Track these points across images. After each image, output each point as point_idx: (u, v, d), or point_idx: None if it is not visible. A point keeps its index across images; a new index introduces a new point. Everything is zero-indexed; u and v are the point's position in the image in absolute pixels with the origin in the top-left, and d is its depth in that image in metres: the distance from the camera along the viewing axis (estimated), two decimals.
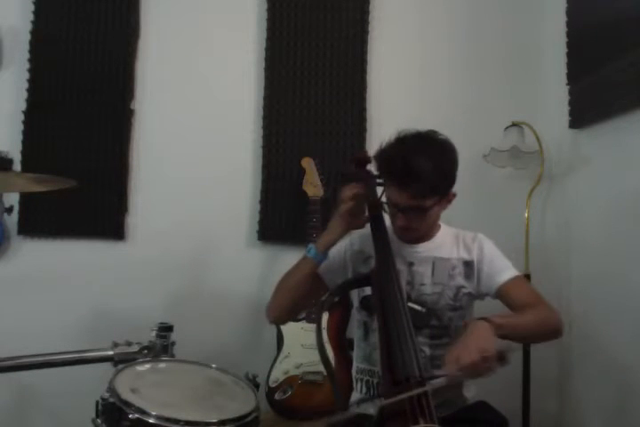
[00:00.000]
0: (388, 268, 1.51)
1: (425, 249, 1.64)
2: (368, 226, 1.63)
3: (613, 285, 1.99)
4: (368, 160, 1.76)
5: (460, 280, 1.61)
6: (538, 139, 2.35)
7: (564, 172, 2.37)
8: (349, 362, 1.79)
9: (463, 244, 1.65)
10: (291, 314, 1.75)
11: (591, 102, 2.12)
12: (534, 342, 1.41)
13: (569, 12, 2.28)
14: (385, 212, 1.62)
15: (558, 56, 2.31)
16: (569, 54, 2.26)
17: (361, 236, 1.69)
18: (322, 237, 1.61)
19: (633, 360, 1.85)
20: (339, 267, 1.68)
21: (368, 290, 1.60)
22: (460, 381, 1.27)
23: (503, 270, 1.60)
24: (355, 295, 1.68)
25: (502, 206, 2.48)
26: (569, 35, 2.27)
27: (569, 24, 2.27)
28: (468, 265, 1.62)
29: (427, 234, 1.66)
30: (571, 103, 2.25)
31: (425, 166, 1.45)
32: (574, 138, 2.29)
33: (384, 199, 1.61)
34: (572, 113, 2.25)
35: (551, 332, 1.52)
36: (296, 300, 1.64)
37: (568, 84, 2.27)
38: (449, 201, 1.58)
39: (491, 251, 1.63)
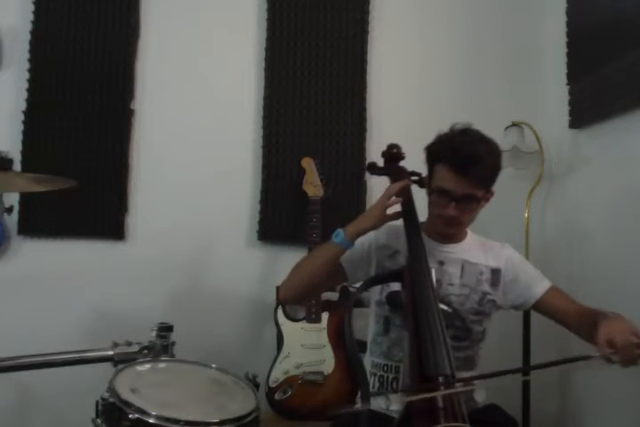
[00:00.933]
0: (421, 265, 1.51)
1: (454, 250, 1.65)
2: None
3: (614, 284, 1.99)
4: (401, 157, 1.76)
5: (486, 286, 1.63)
6: (538, 139, 2.35)
7: (564, 172, 2.37)
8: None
9: (491, 251, 1.67)
10: (302, 296, 1.75)
11: (591, 102, 2.12)
12: None
13: (569, 12, 2.28)
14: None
15: (558, 56, 2.31)
16: (569, 54, 2.26)
17: (388, 229, 1.68)
18: (354, 225, 1.58)
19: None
20: (361, 259, 1.67)
21: (393, 285, 1.60)
22: (608, 362, 1.24)
23: (541, 281, 1.65)
24: (376, 290, 1.67)
25: (502, 206, 2.46)
26: (569, 35, 2.27)
27: (569, 24, 2.27)
28: (495, 273, 1.64)
29: (458, 234, 1.67)
30: (571, 103, 2.25)
31: (487, 155, 1.52)
32: (574, 138, 2.29)
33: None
34: (572, 113, 2.25)
35: None
36: (312, 283, 1.64)
37: (568, 84, 2.27)
38: (487, 199, 1.61)
39: (522, 261, 1.69)
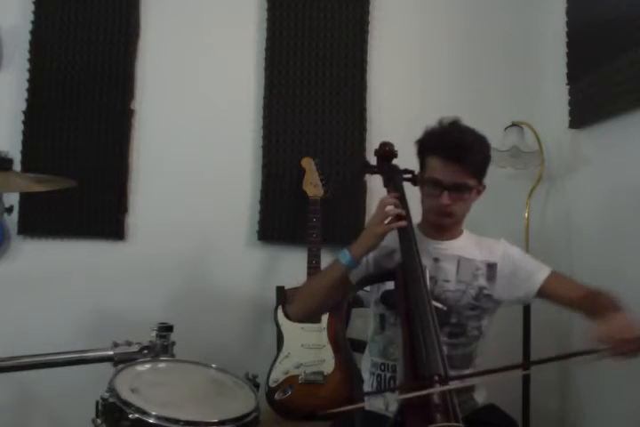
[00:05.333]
0: (414, 264, 1.51)
1: (450, 247, 1.65)
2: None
3: (614, 284, 1.97)
4: (394, 155, 1.75)
5: (482, 281, 1.63)
6: (538, 139, 2.35)
7: (563, 172, 2.37)
8: None
9: (486, 247, 1.68)
10: (316, 315, 1.78)
11: (591, 102, 2.12)
12: None
13: (569, 12, 2.28)
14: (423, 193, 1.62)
15: (558, 56, 2.31)
16: (569, 54, 2.26)
17: None
18: (358, 244, 1.56)
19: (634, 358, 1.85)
20: (362, 263, 1.65)
21: (389, 284, 1.59)
22: (605, 357, 1.28)
23: (539, 269, 1.65)
24: (374, 289, 1.67)
25: (502, 206, 2.48)
26: (569, 35, 2.27)
27: (569, 24, 2.27)
28: (490, 267, 1.64)
29: (453, 229, 1.67)
30: (571, 103, 2.25)
31: (476, 142, 1.57)
32: (574, 138, 2.29)
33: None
34: (571, 113, 2.25)
35: None
36: (324, 302, 1.65)
37: (568, 84, 2.26)
38: (479, 192, 1.62)
39: (520, 254, 1.68)
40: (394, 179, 1.70)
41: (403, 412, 1.32)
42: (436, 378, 1.33)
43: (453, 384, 1.36)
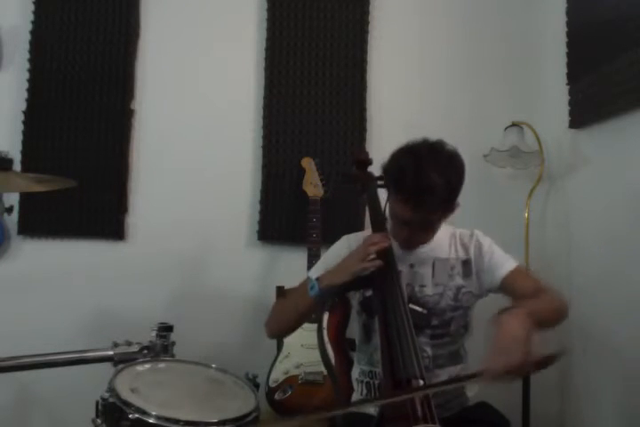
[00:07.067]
0: (389, 270, 1.52)
1: (425, 250, 1.64)
2: (368, 226, 1.62)
3: (614, 284, 1.99)
4: (369, 162, 1.76)
5: (458, 280, 1.62)
6: (538, 139, 2.35)
7: (563, 172, 2.37)
8: (349, 362, 1.79)
9: (460, 243, 1.66)
10: (289, 333, 1.77)
11: (591, 102, 2.12)
12: (546, 328, 1.38)
13: (569, 12, 2.28)
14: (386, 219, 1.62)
15: (558, 56, 2.31)
16: (569, 54, 2.26)
17: (360, 239, 1.67)
18: (330, 276, 1.54)
19: (635, 359, 1.85)
20: None
21: (368, 292, 1.60)
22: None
23: (503, 263, 1.61)
24: (354, 298, 1.68)
25: (502, 206, 2.48)
26: (569, 35, 2.27)
27: (569, 24, 2.27)
28: (465, 264, 1.63)
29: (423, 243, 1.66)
30: (571, 103, 2.25)
31: (436, 181, 1.41)
32: (574, 138, 2.29)
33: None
34: (571, 113, 2.25)
35: (562, 315, 1.50)
36: (294, 325, 1.67)
37: (568, 84, 2.26)
38: (452, 211, 1.57)
39: (489, 247, 1.64)
40: (368, 186, 1.70)
41: (383, 413, 1.35)
42: (414, 382, 1.35)
43: (430, 387, 1.38)
